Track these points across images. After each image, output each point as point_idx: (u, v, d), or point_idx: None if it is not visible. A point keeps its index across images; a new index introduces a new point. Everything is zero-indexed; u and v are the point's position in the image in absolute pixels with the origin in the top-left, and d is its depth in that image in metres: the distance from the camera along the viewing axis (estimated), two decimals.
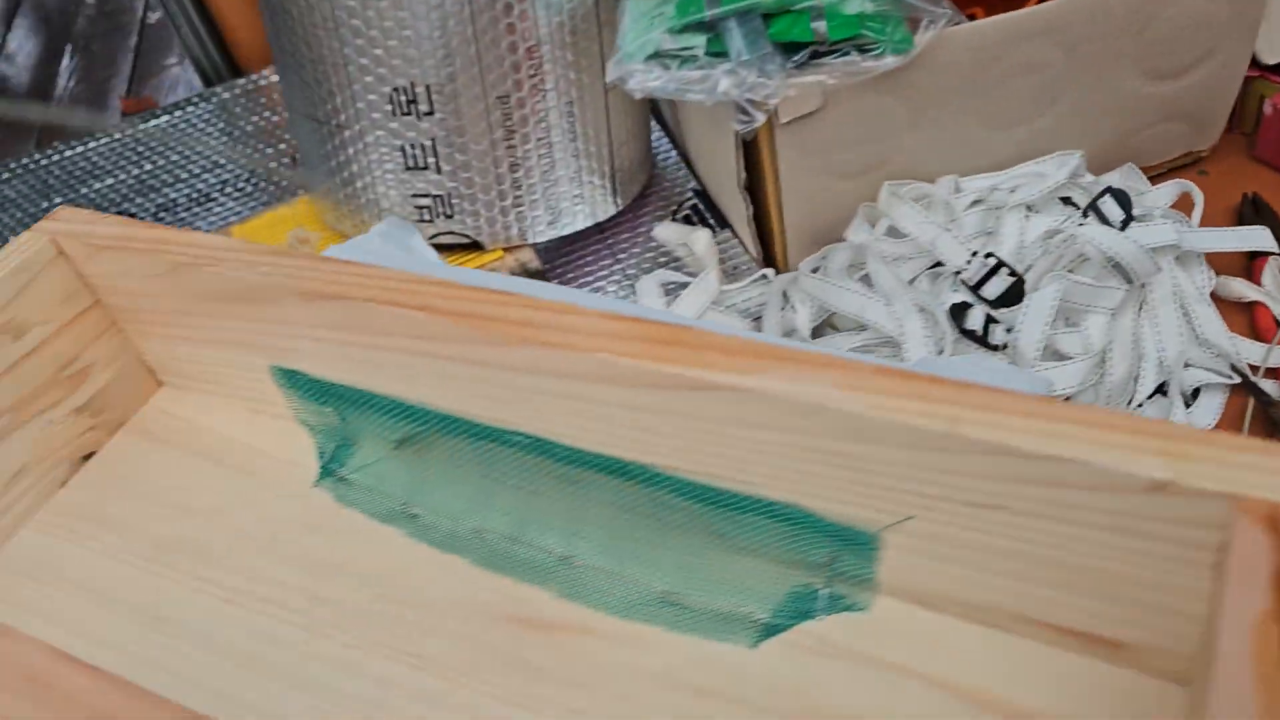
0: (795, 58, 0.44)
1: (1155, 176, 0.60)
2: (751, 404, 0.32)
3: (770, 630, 0.36)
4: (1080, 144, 0.57)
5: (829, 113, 0.51)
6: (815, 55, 0.44)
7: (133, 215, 0.74)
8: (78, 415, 0.48)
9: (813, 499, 0.34)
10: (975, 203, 0.55)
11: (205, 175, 0.78)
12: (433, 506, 0.43)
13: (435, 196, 0.60)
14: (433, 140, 0.58)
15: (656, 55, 0.49)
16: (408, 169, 0.60)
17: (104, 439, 0.50)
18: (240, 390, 0.49)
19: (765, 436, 0.33)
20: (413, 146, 0.59)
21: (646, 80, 0.45)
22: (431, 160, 0.60)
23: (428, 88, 0.57)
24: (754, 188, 0.56)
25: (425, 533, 0.43)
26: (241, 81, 0.81)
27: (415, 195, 0.60)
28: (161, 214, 0.76)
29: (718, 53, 0.45)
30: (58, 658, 0.40)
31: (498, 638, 0.38)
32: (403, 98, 0.58)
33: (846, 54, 0.45)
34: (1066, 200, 0.54)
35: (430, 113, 0.57)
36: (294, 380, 0.45)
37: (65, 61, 1.60)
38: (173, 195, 0.77)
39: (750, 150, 0.54)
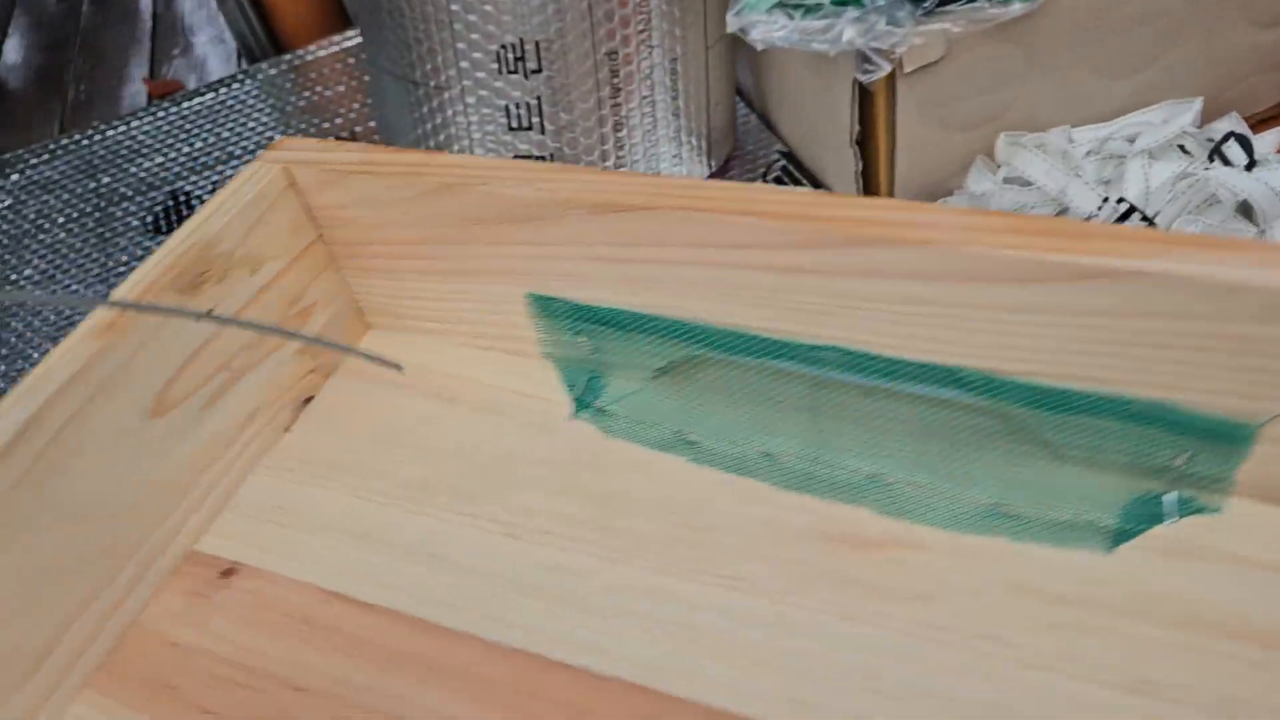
0: (924, 4, 0.43)
1: (1251, 126, 0.60)
2: (1150, 291, 0.31)
3: (1121, 536, 0.35)
4: (1184, 94, 0.57)
5: (950, 62, 0.49)
6: (942, 1, 0.43)
7: (189, 193, 0.72)
8: (300, 357, 0.46)
9: (1189, 393, 0.33)
10: (1087, 153, 0.55)
11: (259, 151, 0.76)
12: (711, 432, 0.41)
13: (537, 158, 0.58)
14: (538, 99, 0.56)
15: (780, 5, 0.48)
16: (510, 130, 0.58)
17: (321, 382, 0.47)
18: (468, 327, 0.47)
19: (1152, 326, 0.32)
20: (517, 106, 0.57)
21: (770, 30, 0.44)
22: (536, 120, 0.58)
23: (536, 44, 0.55)
24: (862, 143, 0.55)
25: (709, 458, 0.41)
26: (287, 57, 0.79)
27: (517, 157, 0.58)
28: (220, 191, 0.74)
29: (843, 1, 0.43)
30: (330, 599, 0.38)
31: (819, 557, 0.37)
32: (510, 55, 0.56)
33: (973, 0, 0.43)
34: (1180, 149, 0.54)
35: (538, 70, 0.56)
36: (551, 308, 0.43)
37: (73, 54, 1.56)
38: (229, 172, 0.75)
39: (862, 104, 0.53)
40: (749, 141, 0.66)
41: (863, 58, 0.48)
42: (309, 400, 0.47)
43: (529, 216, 0.40)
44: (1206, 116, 0.58)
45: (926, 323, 0.35)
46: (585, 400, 0.44)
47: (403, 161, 0.42)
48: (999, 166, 0.50)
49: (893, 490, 0.38)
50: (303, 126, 0.78)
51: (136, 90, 1.47)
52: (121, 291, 0.39)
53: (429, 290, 0.46)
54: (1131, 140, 0.54)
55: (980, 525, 0.37)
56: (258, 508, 0.43)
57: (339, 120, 0.77)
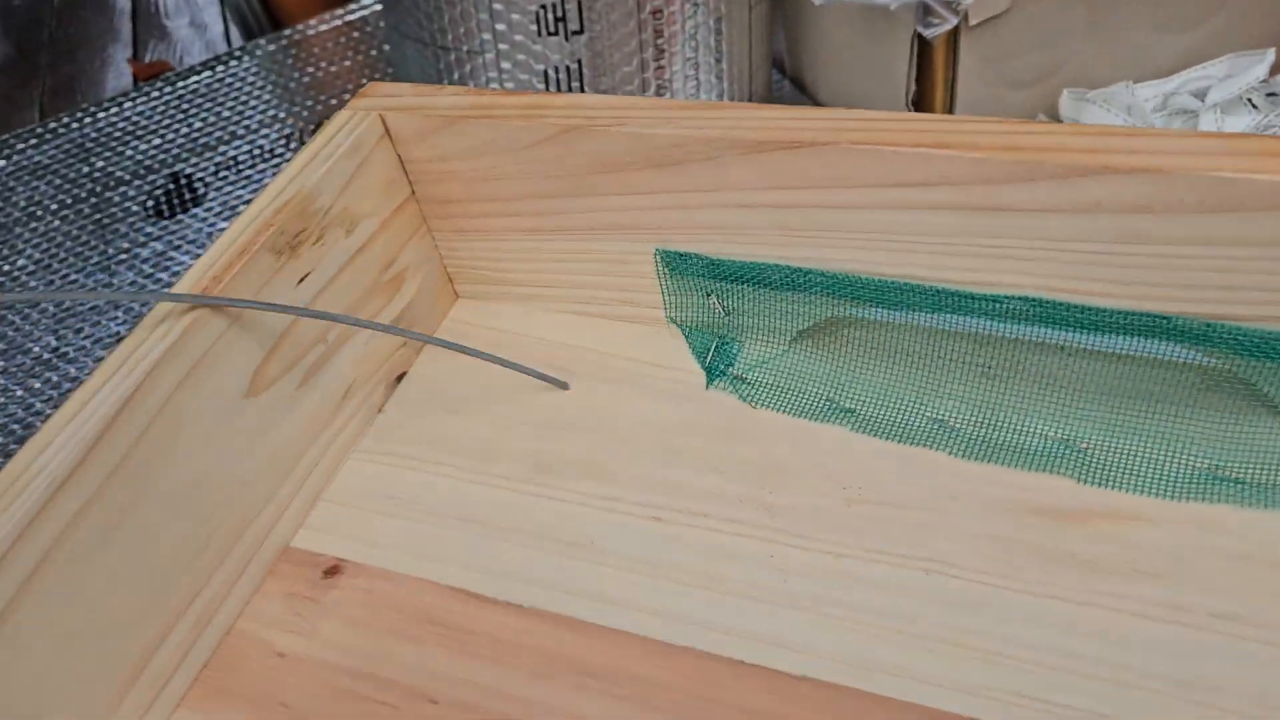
0: None
1: None
2: None
3: None
4: (1242, 46, 0.54)
5: (1014, 15, 0.46)
6: None
7: (190, 175, 0.67)
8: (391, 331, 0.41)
9: None
10: (1153, 110, 0.52)
11: (265, 131, 0.71)
12: (870, 398, 0.37)
13: None
14: (579, 62, 0.52)
15: None
16: None
17: (413, 357, 0.43)
18: (578, 291, 0.42)
19: None
20: (556, 70, 0.52)
21: None
22: (576, 85, 0.54)
23: (579, 3, 0.51)
24: (917, 104, 0.53)
25: (872, 426, 0.37)
26: (287, 33, 0.74)
27: None
28: (224, 172, 0.69)
29: None
30: (458, 597, 0.34)
31: (1021, 532, 0.33)
32: (550, 15, 0.52)
33: None
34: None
35: (579, 31, 0.51)
36: (683, 265, 0.38)
37: (45, 39, 1.49)
38: (232, 152, 0.70)
39: (919, 62, 0.50)
40: (784, 105, 0.63)
41: (925, 10, 0.45)
42: (402, 377, 0.42)
43: (669, 160, 0.35)
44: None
45: (1143, 264, 0.31)
46: (718, 367, 0.39)
47: (518, 104, 0.37)
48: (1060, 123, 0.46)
49: (1090, 457, 0.34)
50: (309, 104, 0.73)
51: (121, 73, 1.40)
52: (213, 255, 0.34)
53: (536, 251, 0.41)
54: (1198, 95, 0.51)
55: (1198, 491, 0.33)
56: (359, 496, 0.38)
57: (348, 96, 0.72)
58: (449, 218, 0.42)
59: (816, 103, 0.61)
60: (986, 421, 0.36)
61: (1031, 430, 0.35)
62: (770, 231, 0.36)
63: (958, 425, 0.36)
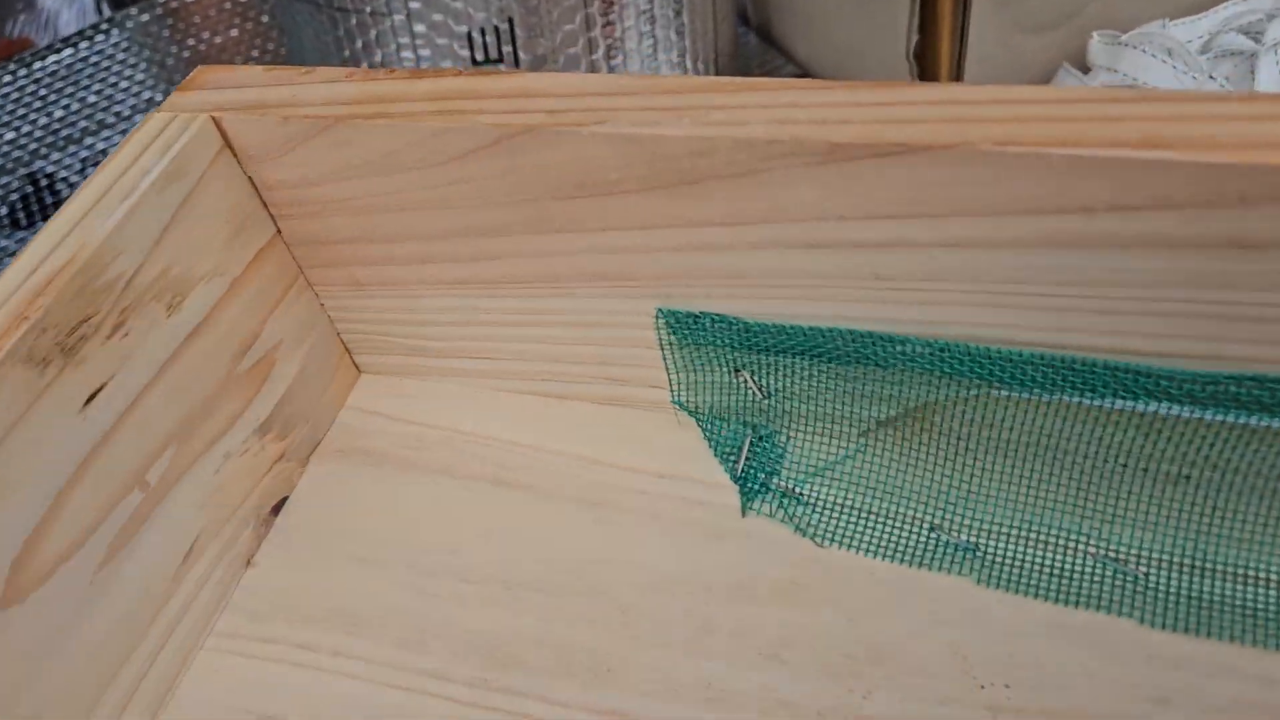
0: None
1: None
2: None
3: None
4: None
5: None
6: None
7: (51, 175, 0.53)
8: (261, 439, 0.27)
9: None
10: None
11: (138, 119, 0.56)
12: (1003, 527, 0.24)
13: None
14: (509, 21, 0.39)
15: None
16: (475, 63, 0.41)
17: (297, 473, 0.28)
18: (522, 366, 0.28)
19: None
20: (483, 32, 0.40)
21: None
22: (507, 49, 0.41)
23: None
24: (920, 56, 0.45)
25: (1009, 575, 0.23)
26: (161, 1, 0.60)
27: None
28: (90, 170, 0.56)
29: None
30: None
31: None
32: None
33: None
34: None
35: None
36: (700, 331, 0.25)
37: None
38: (101, 145, 0.57)
39: (922, 9, 0.42)
40: (751, 65, 0.52)
41: None
42: (282, 505, 0.28)
43: (683, 177, 0.22)
44: None
45: None
46: (757, 477, 0.26)
47: (435, 92, 0.23)
48: (1088, 72, 0.42)
49: None
50: None
51: None
52: None
53: (472, 311, 0.27)
54: (1248, 33, 0.43)
55: None
56: (219, 714, 0.24)
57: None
58: (337, 265, 0.27)
59: (793, 59, 0.49)
60: (1192, 563, 0.23)
61: (1268, 575, 0.22)
62: (844, 283, 0.22)
63: (1148, 569, 0.23)
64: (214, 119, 0.25)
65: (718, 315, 0.25)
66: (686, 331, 0.26)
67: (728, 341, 0.25)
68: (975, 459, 0.25)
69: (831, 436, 0.26)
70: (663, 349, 0.26)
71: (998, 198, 0.20)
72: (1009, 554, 0.24)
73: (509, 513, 0.27)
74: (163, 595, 0.25)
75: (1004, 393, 0.23)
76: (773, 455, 0.27)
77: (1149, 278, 0.20)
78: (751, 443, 0.27)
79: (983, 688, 0.22)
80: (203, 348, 0.25)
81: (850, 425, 0.26)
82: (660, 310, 0.25)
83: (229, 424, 0.26)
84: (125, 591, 0.24)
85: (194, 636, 0.26)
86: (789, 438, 0.27)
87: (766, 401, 0.27)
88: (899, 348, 0.24)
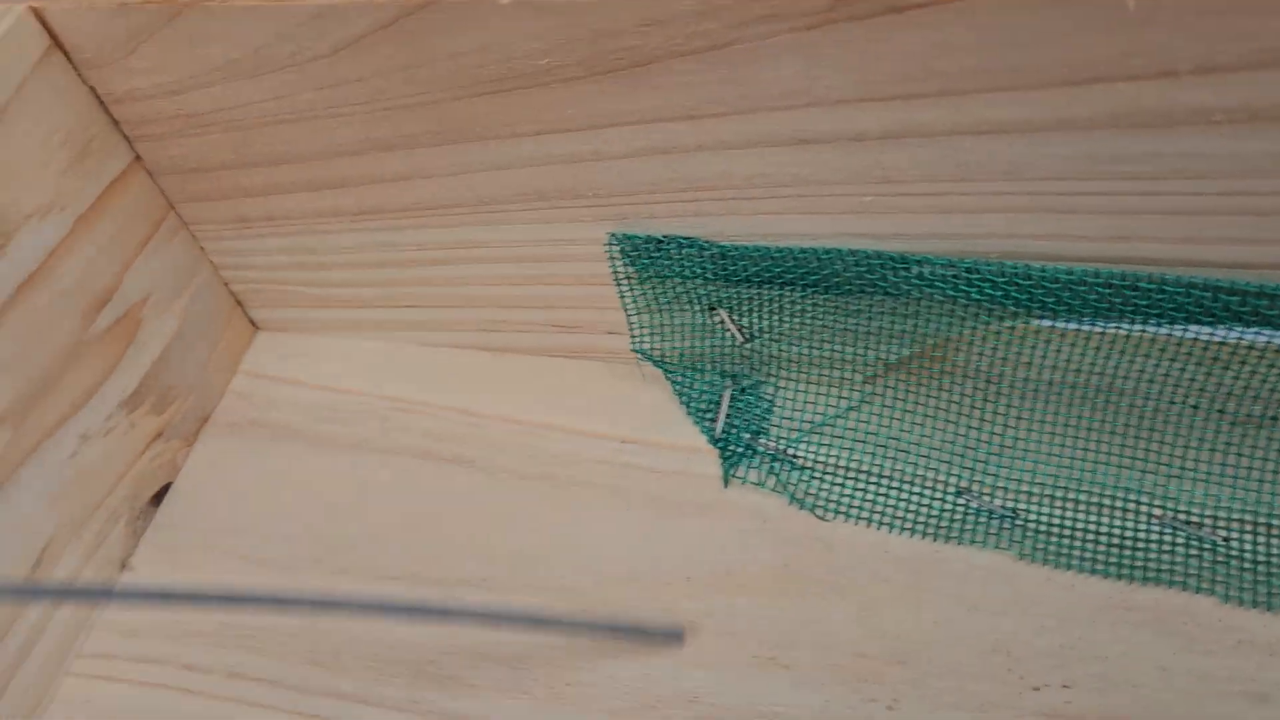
0: None
1: None
2: None
3: None
4: None
5: None
6: None
7: None
8: (129, 414, 0.22)
9: None
10: None
11: None
12: (1048, 486, 0.19)
13: None
14: None
15: None
16: None
17: (182, 454, 0.23)
18: (447, 314, 0.23)
19: None
20: None
21: None
22: None
23: None
24: None
25: (1057, 547, 0.19)
26: None
27: None
28: None
29: None
30: None
31: None
32: None
33: None
34: None
35: None
36: (663, 258, 0.20)
37: None
38: None
39: None
40: None
41: None
42: (162, 495, 0.23)
43: (629, 59, 0.16)
44: None
45: None
46: (740, 440, 0.21)
47: None
48: None
49: None
50: None
51: None
52: None
53: (384, 246, 0.22)
54: None
55: None
56: None
57: None
58: (217, 198, 0.22)
59: None
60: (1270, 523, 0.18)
61: None
62: (844, 189, 0.17)
63: (1228, 533, 0.18)
64: (34, 10, 0.19)
65: (685, 238, 0.20)
66: (647, 261, 0.20)
67: (699, 272, 0.20)
68: (1010, 406, 0.20)
69: (830, 385, 0.22)
70: (619, 284, 0.21)
71: (1047, 63, 0.15)
72: (1056, 521, 0.19)
73: (442, 494, 0.22)
74: (7, 613, 0.19)
75: (1048, 323, 0.19)
76: (758, 411, 0.22)
77: (1244, 165, 0.15)
78: (732, 396, 0.22)
79: (1035, 690, 0.18)
80: (39, 303, 0.20)
81: (854, 370, 0.21)
82: (613, 235, 0.20)
83: (84, 397, 0.21)
84: None
85: (56, 661, 0.21)
86: (778, 388, 0.22)
87: (749, 345, 0.22)
88: (914, 270, 0.19)
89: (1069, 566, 0.19)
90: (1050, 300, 0.18)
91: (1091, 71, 0.15)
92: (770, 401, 0.22)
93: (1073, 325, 0.18)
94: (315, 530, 0.22)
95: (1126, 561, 0.19)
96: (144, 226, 0.22)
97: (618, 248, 0.21)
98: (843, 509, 0.20)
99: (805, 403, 0.22)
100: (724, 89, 0.17)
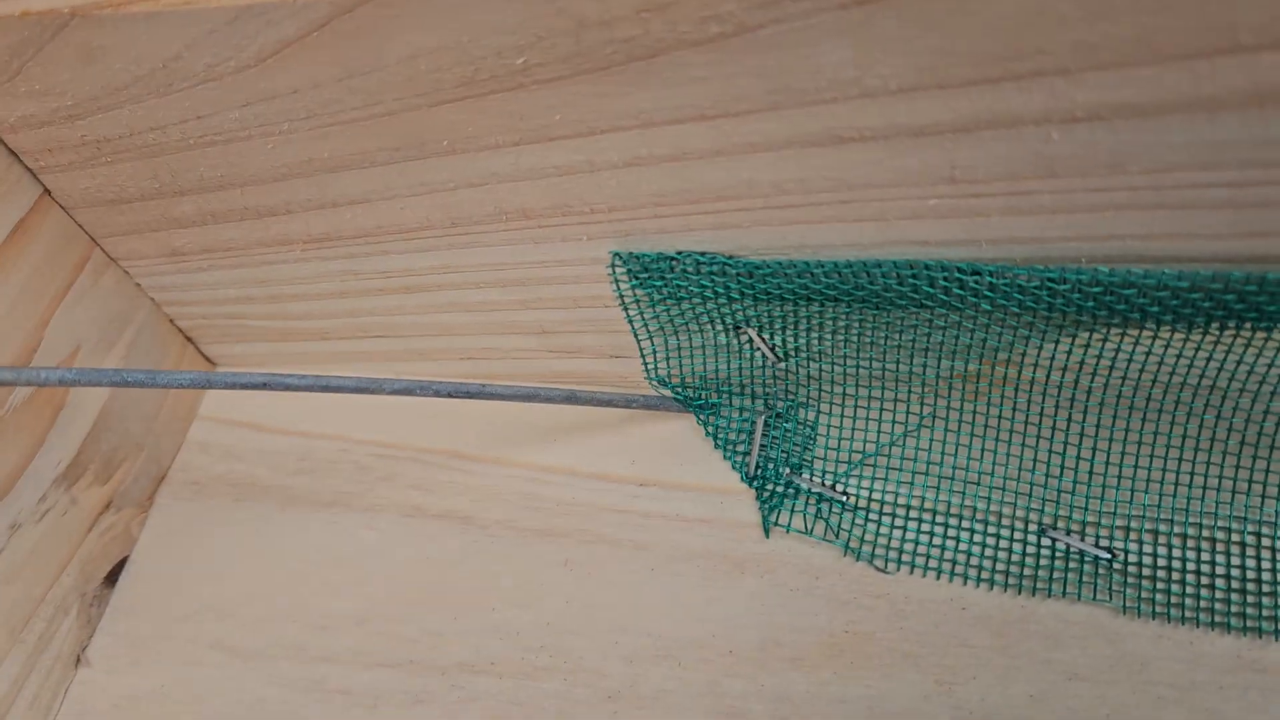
0: None
1: None
2: None
3: None
4: None
5: None
6: None
7: None
8: (68, 490, 0.19)
9: None
10: None
11: None
12: (1133, 518, 0.16)
13: None
14: None
15: None
16: None
17: (136, 523, 0.20)
18: (425, 343, 0.20)
19: None
20: None
21: None
22: None
23: None
24: None
25: (1158, 596, 0.16)
26: None
27: None
28: None
29: None
30: None
31: None
32: None
33: None
34: None
35: None
36: (676, 278, 0.16)
37: None
38: None
39: None
40: None
41: None
42: (118, 572, 0.20)
43: (628, 53, 0.13)
44: None
45: None
46: (776, 477, 0.18)
47: None
48: None
49: None
50: None
51: None
52: None
53: (339, 276, 0.19)
54: None
55: None
56: None
57: None
58: (144, 231, 0.19)
59: None
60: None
61: None
62: (902, 192, 0.14)
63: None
64: None
65: (703, 255, 0.17)
66: (659, 281, 0.17)
67: (722, 290, 0.17)
68: (1100, 425, 0.17)
69: (882, 407, 0.18)
70: (625, 308, 0.18)
71: (1178, 28, 0.12)
72: (1162, 562, 0.16)
73: (436, 559, 0.19)
74: None
75: (1149, 331, 0.15)
76: (798, 440, 0.19)
77: None
78: (766, 424, 0.19)
79: None
80: None
81: (909, 389, 0.18)
82: (616, 255, 0.17)
83: (7, 483, 0.18)
84: None
85: None
86: (819, 413, 0.19)
87: (783, 365, 0.18)
88: (988, 281, 0.15)
89: (1183, 620, 0.16)
90: (1154, 309, 0.15)
91: (1228, 39, 0.11)
92: (811, 429, 0.19)
93: (1182, 330, 0.15)
94: (293, 609, 0.19)
95: (1253, 611, 0.16)
96: (63, 269, 0.19)
97: (622, 268, 0.17)
98: (907, 558, 0.17)
99: (853, 429, 0.19)
100: (748, 83, 0.13)
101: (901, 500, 0.18)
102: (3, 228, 0.18)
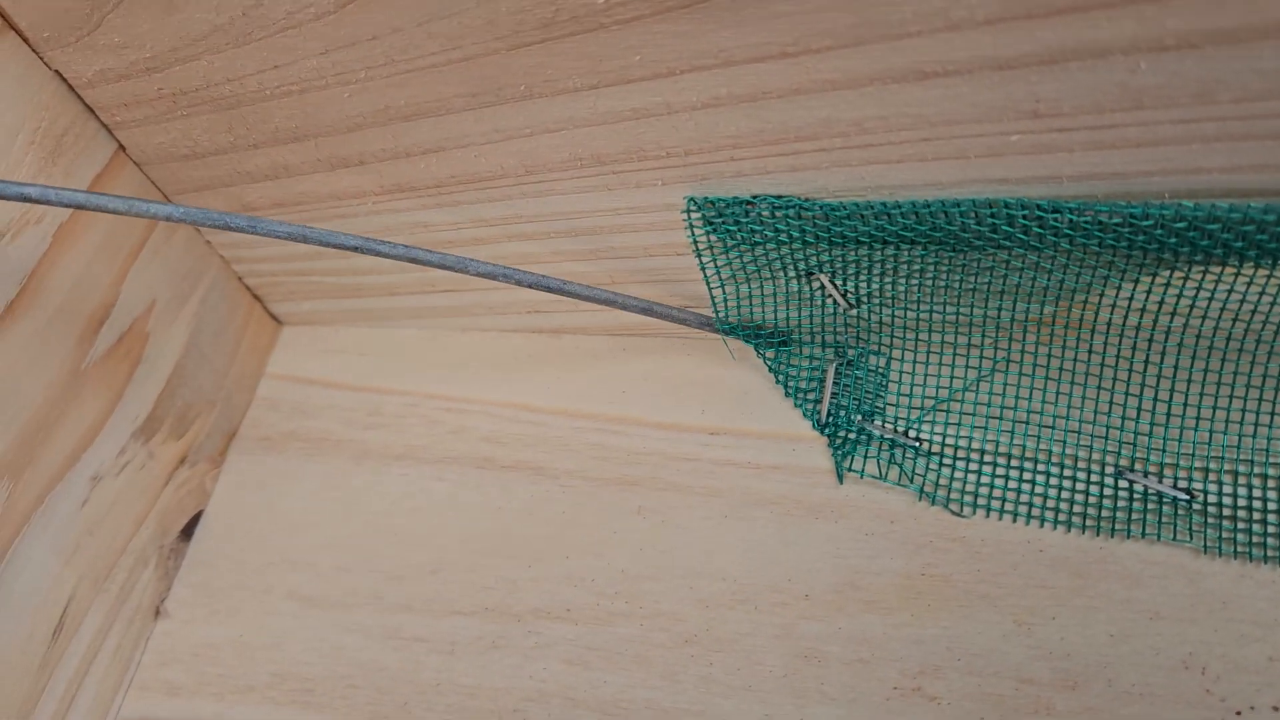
0: None
1: None
2: None
3: None
4: None
5: None
6: None
7: None
8: (146, 444, 0.19)
9: None
10: None
11: None
12: (1213, 458, 0.16)
13: None
14: None
15: None
16: None
17: (210, 478, 0.20)
18: (492, 297, 0.20)
19: None
20: None
21: None
22: None
23: None
24: None
25: (1240, 535, 0.15)
26: None
27: None
28: None
29: None
30: None
31: None
32: None
33: None
34: None
35: None
36: (750, 225, 0.16)
37: None
38: None
39: None
40: None
41: None
42: (193, 526, 0.20)
43: None
44: None
45: None
46: (848, 423, 0.18)
47: None
48: None
49: None
50: None
51: None
52: None
53: (412, 228, 0.19)
54: None
55: None
56: None
57: None
58: (216, 186, 0.19)
59: None
60: None
61: None
62: (983, 128, 0.14)
63: None
64: None
65: (779, 198, 0.17)
66: (733, 226, 0.17)
67: (796, 235, 0.17)
68: (1178, 365, 0.17)
69: (955, 352, 0.18)
70: (699, 255, 0.18)
71: None
72: (1243, 502, 0.16)
73: (508, 509, 0.19)
74: (29, 690, 0.17)
75: (1232, 268, 0.15)
76: (870, 387, 0.19)
77: None
78: (837, 371, 0.19)
79: (1239, 715, 0.15)
80: (25, 332, 0.17)
81: (983, 334, 0.18)
82: (691, 200, 0.17)
83: (90, 433, 0.18)
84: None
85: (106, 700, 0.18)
86: (891, 360, 0.19)
87: (854, 312, 0.18)
88: (1069, 218, 0.15)
89: (1265, 559, 0.16)
90: (1239, 244, 0.15)
91: None
92: (883, 375, 0.19)
93: (1264, 268, 0.15)
94: (368, 559, 0.19)
95: None
96: (137, 226, 0.19)
97: (698, 214, 0.17)
98: (982, 502, 0.17)
99: (926, 375, 0.19)
100: (833, 18, 0.13)
101: (976, 445, 0.18)
102: (80, 184, 0.18)
